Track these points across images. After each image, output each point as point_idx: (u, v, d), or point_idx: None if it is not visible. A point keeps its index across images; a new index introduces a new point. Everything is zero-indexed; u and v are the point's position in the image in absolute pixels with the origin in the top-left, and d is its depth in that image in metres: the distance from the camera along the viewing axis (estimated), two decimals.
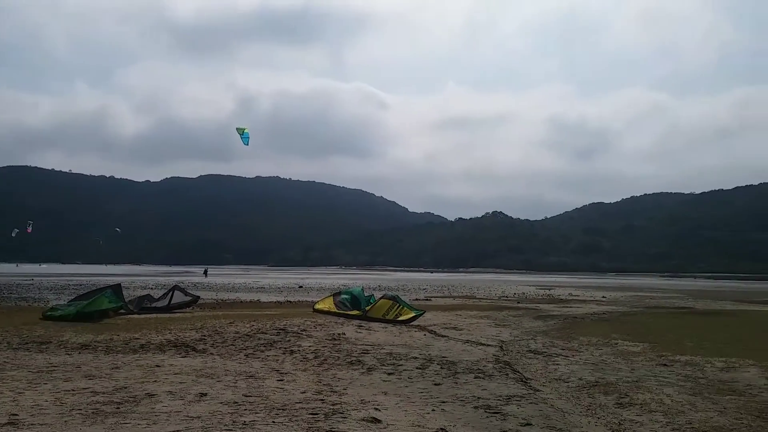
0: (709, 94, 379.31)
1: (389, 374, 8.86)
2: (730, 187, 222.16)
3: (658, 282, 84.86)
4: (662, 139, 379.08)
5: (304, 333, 12.76)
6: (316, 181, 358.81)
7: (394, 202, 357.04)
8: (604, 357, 11.07)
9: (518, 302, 28.93)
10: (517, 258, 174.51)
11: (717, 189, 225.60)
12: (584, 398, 7.78)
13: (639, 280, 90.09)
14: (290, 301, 27.29)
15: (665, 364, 10.21)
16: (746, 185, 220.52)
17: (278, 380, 8.07)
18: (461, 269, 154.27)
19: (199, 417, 5.93)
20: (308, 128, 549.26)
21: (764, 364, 9.97)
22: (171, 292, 20.24)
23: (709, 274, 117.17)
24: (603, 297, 37.02)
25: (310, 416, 6.11)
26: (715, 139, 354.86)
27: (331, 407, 6.55)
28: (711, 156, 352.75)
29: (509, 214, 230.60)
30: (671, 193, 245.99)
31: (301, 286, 44.05)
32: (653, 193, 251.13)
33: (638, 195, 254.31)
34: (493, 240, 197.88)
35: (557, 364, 10.25)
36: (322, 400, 6.94)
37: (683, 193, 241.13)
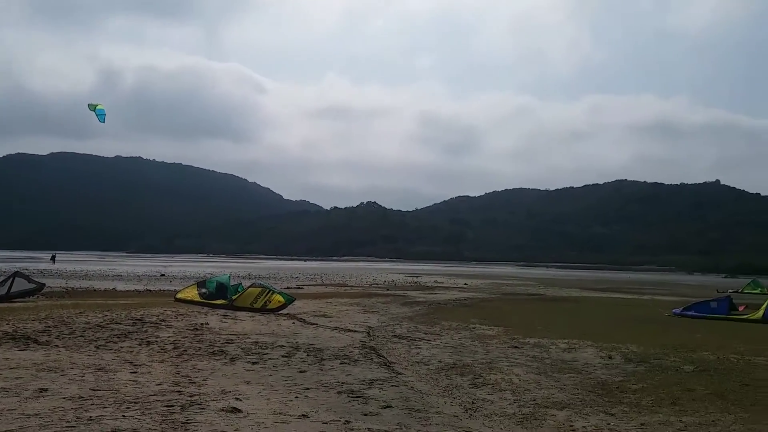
0: (568, 100, 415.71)
1: (254, 363, 8.67)
2: (580, 186, 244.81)
3: (515, 270, 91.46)
4: (525, 139, 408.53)
5: (163, 323, 12.08)
6: (184, 163, 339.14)
7: (268, 188, 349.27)
8: (462, 340, 11.69)
9: (387, 289, 29.69)
10: (389, 247, 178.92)
11: (569, 186, 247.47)
12: (442, 380, 8.16)
13: (498, 269, 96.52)
14: (150, 290, 25.77)
15: (516, 346, 11.00)
16: (593, 184, 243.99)
17: (131, 372, 7.57)
18: (335, 257, 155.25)
19: (37, 414, 5.38)
20: (177, 108, 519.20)
21: (600, 345, 11.08)
22: (11, 279, 18.24)
23: (559, 264, 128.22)
24: (465, 284, 39.17)
25: (165, 409, 5.80)
26: (570, 141, 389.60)
27: (189, 399, 6.27)
28: (565, 156, 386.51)
29: (383, 205, 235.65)
30: (529, 189, 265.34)
31: (163, 275, 41.78)
32: (513, 189, 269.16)
33: (500, 190, 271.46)
34: (366, 229, 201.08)
35: (419, 348, 10.65)
36: (179, 391, 6.62)
37: (539, 190, 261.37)
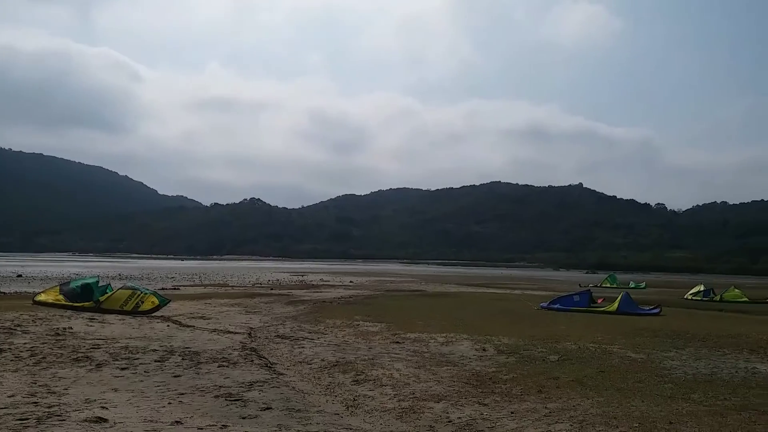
0: (448, 103, 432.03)
1: (123, 369, 8.11)
2: (458, 186, 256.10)
3: (399, 267, 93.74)
4: (409, 140, 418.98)
5: (18, 328, 10.97)
6: (45, 154, 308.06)
7: (141, 183, 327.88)
8: (346, 338, 11.75)
9: (272, 289, 29.14)
10: (274, 245, 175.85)
11: (448, 187, 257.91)
12: (325, 378, 8.14)
13: (383, 266, 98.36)
14: (4, 293, 23.30)
15: (398, 342, 11.25)
16: (470, 185, 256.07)
17: None
18: (216, 256, 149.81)
19: None
20: (40, 94, 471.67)
21: (475, 338, 11.62)
22: None
23: (440, 261, 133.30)
24: (351, 282, 39.46)
25: (18, 423, 5.25)
26: (450, 143, 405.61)
27: (47, 410, 5.73)
28: (446, 158, 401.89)
29: (268, 202, 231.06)
30: (412, 188, 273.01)
31: (20, 275, 37.91)
32: (397, 188, 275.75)
33: (385, 189, 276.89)
34: (250, 226, 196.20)
35: (303, 348, 10.55)
36: (35, 403, 6.03)
37: (421, 189, 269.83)
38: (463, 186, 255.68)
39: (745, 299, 27.21)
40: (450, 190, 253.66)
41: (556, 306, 19.15)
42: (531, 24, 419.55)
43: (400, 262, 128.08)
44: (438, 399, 6.96)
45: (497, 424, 5.99)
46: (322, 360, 9.39)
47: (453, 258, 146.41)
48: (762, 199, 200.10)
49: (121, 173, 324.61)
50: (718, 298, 27.38)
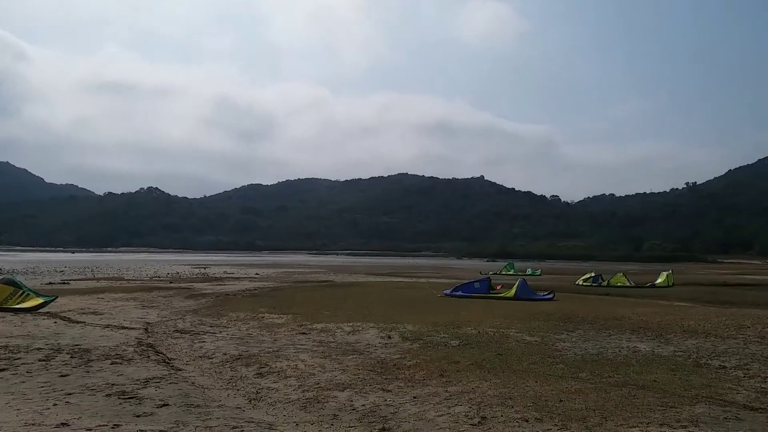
0: (360, 95, 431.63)
1: (1, 371, 7.47)
2: (367, 177, 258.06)
3: (307, 258, 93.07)
4: (319, 130, 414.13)
5: None
6: None
7: (24, 169, 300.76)
8: (250, 331, 11.50)
9: (171, 282, 27.94)
10: (173, 236, 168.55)
11: (357, 178, 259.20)
12: (227, 372, 7.92)
13: (290, 257, 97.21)
14: None
15: (304, 333, 11.16)
16: (379, 176, 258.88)
17: None
18: (110, 248, 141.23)
19: None
20: None
21: (381, 326, 11.76)
22: None
23: (348, 252, 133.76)
24: (256, 274, 38.67)
25: None
26: (360, 135, 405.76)
27: None
28: (356, 149, 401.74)
29: (167, 191, 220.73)
30: (320, 179, 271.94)
31: None
32: (305, 178, 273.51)
33: (293, 179, 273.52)
34: (147, 217, 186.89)
35: (204, 342, 10.21)
36: None
37: (330, 180, 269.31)
38: (372, 177, 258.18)
39: (628, 284, 29.51)
40: (359, 181, 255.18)
41: (458, 293, 19.80)
42: (442, 21, 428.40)
43: (309, 253, 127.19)
44: (343, 388, 6.98)
45: (400, 409, 6.10)
46: (224, 354, 9.13)
47: (361, 248, 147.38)
48: (644, 192, 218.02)
49: (1, 160, 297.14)
50: (605, 283, 29.48)
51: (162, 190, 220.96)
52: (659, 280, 30.13)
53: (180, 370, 7.92)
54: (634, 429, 5.30)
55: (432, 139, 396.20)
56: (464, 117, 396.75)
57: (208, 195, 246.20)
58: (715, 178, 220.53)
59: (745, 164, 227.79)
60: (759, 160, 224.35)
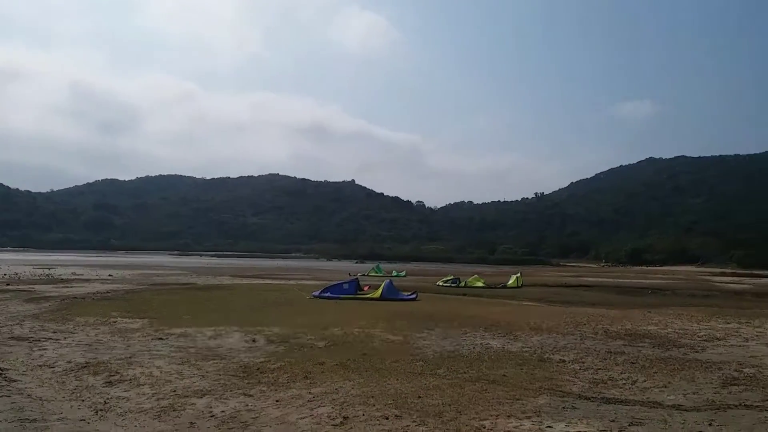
0: (233, 93, 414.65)
1: None
2: (236, 176, 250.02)
3: (168, 260, 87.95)
4: (187, 126, 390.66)
5: None
6: None
7: None
8: (100, 336, 10.66)
9: (7, 284, 25.05)
10: (11, 234, 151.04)
11: (225, 176, 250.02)
12: (71, 382, 7.29)
13: (150, 258, 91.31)
14: None
15: (161, 338, 10.56)
16: (248, 176, 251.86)
17: None
18: None
19: None
20: None
21: (245, 329, 11.48)
22: None
23: (214, 252, 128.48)
24: (110, 275, 35.85)
25: None
26: (232, 133, 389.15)
27: None
28: (226, 148, 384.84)
29: (6, 184, 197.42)
30: (184, 176, 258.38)
31: None
32: (168, 175, 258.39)
33: (153, 175, 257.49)
34: None
35: (45, 350, 9.30)
36: None
37: (195, 177, 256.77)
38: (241, 176, 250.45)
39: (483, 284, 31.46)
40: (226, 180, 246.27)
41: (326, 294, 19.87)
42: (318, 26, 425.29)
43: (170, 254, 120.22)
44: (201, 394, 6.71)
45: (262, 413, 6.00)
46: (69, 362, 8.39)
47: (228, 249, 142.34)
48: (499, 200, 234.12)
49: None
50: (463, 284, 31.16)
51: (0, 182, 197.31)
52: (510, 282, 32.46)
53: (14, 381, 7.14)
54: (485, 422, 5.67)
55: (305, 142, 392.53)
56: (338, 121, 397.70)
57: (56, 189, 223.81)
58: (559, 189, 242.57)
59: (584, 178, 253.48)
60: (595, 174, 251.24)
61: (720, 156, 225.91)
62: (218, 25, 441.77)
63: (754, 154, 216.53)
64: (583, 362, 8.81)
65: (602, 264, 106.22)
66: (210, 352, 9.35)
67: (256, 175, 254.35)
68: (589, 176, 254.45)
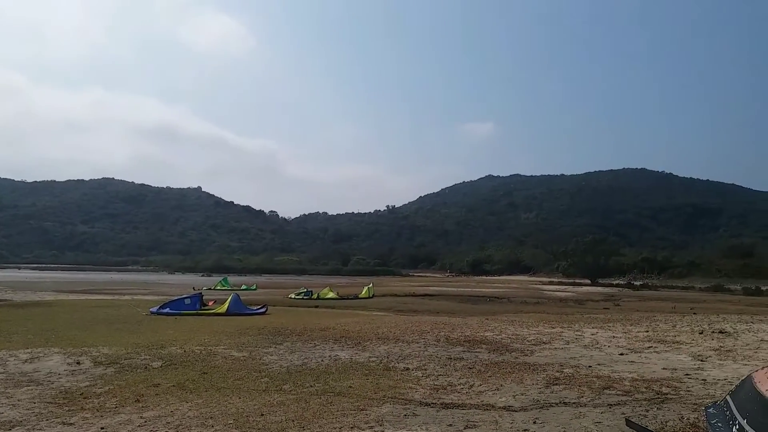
0: (68, 87, 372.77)
1: None
2: (63, 180, 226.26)
3: None
4: (8, 121, 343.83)
5: None
6: None
7: None
8: None
9: None
10: None
11: (51, 180, 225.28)
12: None
13: None
14: None
15: None
16: (78, 179, 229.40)
17: None
18: None
19: None
20: None
21: (69, 350, 10.33)
22: None
23: (35, 265, 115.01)
24: None
25: None
26: (65, 132, 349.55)
27: None
28: (57, 148, 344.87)
29: None
30: (3, 178, 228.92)
31: None
32: None
33: None
34: None
35: None
36: None
37: (14, 180, 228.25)
38: (69, 180, 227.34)
39: (335, 296, 31.70)
40: (52, 183, 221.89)
41: (165, 310, 18.67)
42: (170, 23, 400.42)
43: None
44: (11, 426, 5.87)
45: None
46: None
47: (52, 261, 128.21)
48: (352, 212, 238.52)
49: None
50: (315, 296, 31.14)
51: None
52: (362, 293, 33.12)
53: None
54: None
55: (147, 144, 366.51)
56: (186, 124, 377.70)
57: None
58: (409, 202, 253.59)
59: (432, 192, 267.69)
60: (441, 189, 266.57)
61: (548, 176, 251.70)
62: (55, 12, 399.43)
63: (576, 174, 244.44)
64: (426, 369, 9.15)
65: (447, 274, 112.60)
66: (24, 377, 8.26)
67: (87, 179, 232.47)
68: (435, 191, 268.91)
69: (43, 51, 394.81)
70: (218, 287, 43.89)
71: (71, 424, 5.99)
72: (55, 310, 20.34)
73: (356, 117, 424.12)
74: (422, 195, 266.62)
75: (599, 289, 54.42)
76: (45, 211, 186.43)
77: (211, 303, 20.76)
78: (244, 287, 43.82)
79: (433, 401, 7.04)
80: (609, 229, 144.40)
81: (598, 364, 9.85)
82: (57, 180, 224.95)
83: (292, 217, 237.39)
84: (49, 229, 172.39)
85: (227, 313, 18.57)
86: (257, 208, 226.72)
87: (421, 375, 8.72)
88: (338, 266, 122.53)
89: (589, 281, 67.69)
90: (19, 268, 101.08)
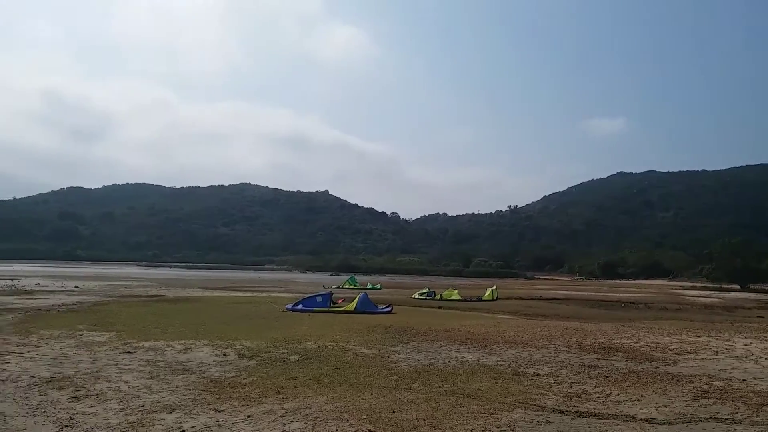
0: (210, 101, 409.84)
1: None
2: (206, 185, 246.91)
3: (136, 271, 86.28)
4: (159, 134, 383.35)
5: None
6: None
7: None
8: (65, 350, 10.34)
9: None
10: None
11: (195, 186, 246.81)
12: (35, 397, 7.03)
13: (117, 269, 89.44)
14: None
15: (129, 352, 10.29)
16: (218, 185, 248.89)
17: None
18: None
19: None
20: None
21: (216, 343, 11.27)
22: None
23: (183, 264, 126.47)
24: (76, 287, 34.97)
25: None
26: (206, 142, 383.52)
27: None
28: (199, 157, 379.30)
29: None
30: (153, 185, 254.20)
31: None
32: (135, 183, 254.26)
33: (120, 183, 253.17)
34: None
35: (7, 363, 8.97)
36: None
37: (164, 186, 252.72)
38: (211, 185, 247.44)
39: (458, 297, 31.57)
40: (196, 189, 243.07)
41: (299, 307, 19.68)
42: (299, 37, 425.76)
43: (138, 265, 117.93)
44: (171, 409, 6.54)
45: (233, 429, 5.87)
46: (33, 376, 8.09)
47: (198, 261, 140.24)
48: (473, 213, 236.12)
49: None
50: (438, 297, 31.22)
51: None
52: (485, 295, 32.66)
53: None
54: None
55: (281, 152, 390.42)
56: (315, 132, 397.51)
57: (19, 197, 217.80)
58: (532, 202, 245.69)
59: (558, 191, 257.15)
60: (568, 187, 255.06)
61: (687, 171, 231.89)
62: (196, 32, 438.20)
63: (720, 170, 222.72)
64: (558, 376, 8.85)
65: (576, 277, 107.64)
66: (179, 366, 9.14)
67: (226, 184, 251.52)
68: (561, 189, 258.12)
69: (187, 68, 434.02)
70: (346, 286, 45.45)
71: (221, 410, 6.54)
72: (202, 305, 22.25)
73: (475, 119, 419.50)
74: (547, 194, 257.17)
75: (751, 295, 49.16)
76: (191, 214, 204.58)
77: (340, 301, 21.57)
78: (369, 286, 45.01)
79: (567, 409, 6.79)
80: (759, 229, 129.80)
81: (754, 378, 8.93)
82: (200, 186, 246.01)
83: (413, 219, 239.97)
84: (195, 231, 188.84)
85: (356, 311, 19.19)
86: (380, 210, 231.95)
87: (552, 381, 8.44)
88: (459, 267, 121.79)
89: (738, 286, 61.43)
90: (170, 267, 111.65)
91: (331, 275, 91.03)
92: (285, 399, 7.03)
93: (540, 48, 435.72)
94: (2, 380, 7.88)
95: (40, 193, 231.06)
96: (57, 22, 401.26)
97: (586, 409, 6.78)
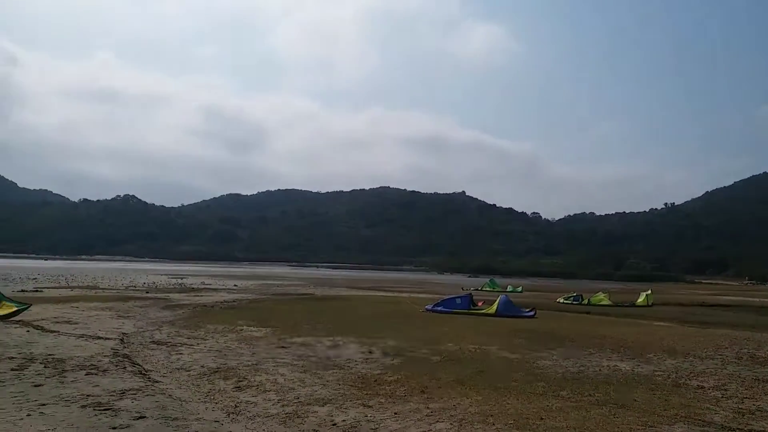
0: (352, 109, 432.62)
1: None
2: (348, 190, 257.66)
3: (287, 271, 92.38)
4: (307, 143, 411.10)
5: None
6: None
7: None
8: (228, 343, 11.34)
9: (147, 292, 27.53)
10: (150, 246, 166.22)
11: (339, 190, 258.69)
12: (204, 385, 7.79)
13: (270, 269, 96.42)
14: None
15: (283, 346, 11.03)
16: (360, 189, 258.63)
17: None
18: (84, 256, 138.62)
19: None
20: None
21: (362, 340, 11.69)
22: None
23: (329, 264, 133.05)
24: (235, 285, 38.27)
25: None
26: (349, 148, 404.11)
27: None
28: (343, 162, 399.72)
29: (144, 199, 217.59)
30: (301, 190, 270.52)
31: None
32: (286, 189, 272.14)
33: (273, 189, 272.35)
34: (123, 225, 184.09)
35: (181, 354, 10.04)
36: None
37: (311, 191, 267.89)
38: (353, 189, 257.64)
39: (609, 303, 29.73)
40: (340, 193, 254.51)
41: (439, 308, 19.76)
42: (435, 39, 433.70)
43: (288, 265, 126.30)
44: (323, 403, 6.89)
45: (381, 425, 6.04)
46: (202, 366, 8.98)
47: (342, 261, 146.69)
48: (623, 211, 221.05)
49: None
50: (586, 301, 29.65)
51: (139, 198, 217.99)
52: (639, 300, 30.40)
53: (157, 382, 7.77)
54: None
55: (418, 154, 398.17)
56: (452, 132, 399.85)
57: (186, 204, 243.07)
58: (692, 199, 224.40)
59: (722, 186, 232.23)
60: (735, 182, 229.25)
61: None
62: (337, 45, 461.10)
63: None
64: (726, 389, 8.00)
65: (745, 282, 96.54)
66: (329, 361, 9.61)
67: (367, 188, 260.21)
68: (726, 185, 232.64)
69: (332, 79, 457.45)
70: (486, 288, 44.87)
71: (370, 406, 6.77)
72: (348, 304, 23.21)
73: (620, 113, 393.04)
74: (709, 190, 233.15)
75: None
76: (335, 218, 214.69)
77: (480, 303, 21.32)
78: (510, 288, 43.97)
79: (739, 426, 6.11)
80: None
81: None
82: (344, 190, 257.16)
83: (556, 219, 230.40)
84: (339, 233, 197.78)
85: (496, 314, 18.84)
86: (519, 210, 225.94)
87: (720, 395, 7.64)
88: (609, 270, 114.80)
89: None
90: (317, 267, 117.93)
91: (469, 277, 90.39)
92: (430, 399, 7.10)
93: (709, 27, 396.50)
94: (177, 369, 8.83)
95: (203, 200, 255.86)
96: (216, 44, 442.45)
97: (762, 429, 6.05)
